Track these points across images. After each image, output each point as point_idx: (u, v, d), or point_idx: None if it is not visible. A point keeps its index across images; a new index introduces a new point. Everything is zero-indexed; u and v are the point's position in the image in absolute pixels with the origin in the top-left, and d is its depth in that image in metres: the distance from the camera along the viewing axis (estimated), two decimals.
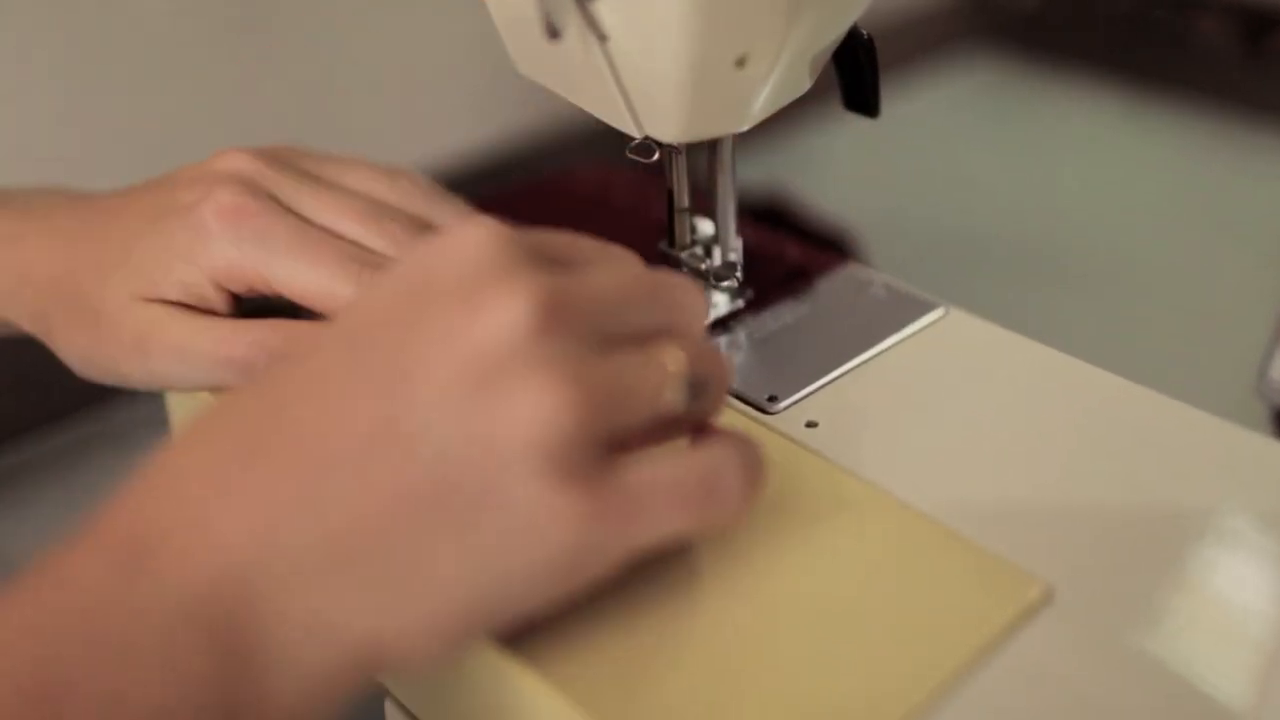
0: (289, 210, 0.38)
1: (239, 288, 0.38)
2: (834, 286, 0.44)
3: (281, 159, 0.40)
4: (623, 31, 0.33)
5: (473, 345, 0.25)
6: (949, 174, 0.81)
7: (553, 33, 0.32)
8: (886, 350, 0.40)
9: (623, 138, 0.37)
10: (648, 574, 0.32)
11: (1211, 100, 0.84)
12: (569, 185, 0.53)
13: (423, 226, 0.40)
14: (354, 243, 0.38)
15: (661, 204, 0.41)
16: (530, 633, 0.30)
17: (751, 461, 0.29)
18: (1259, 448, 0.35)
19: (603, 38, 0.33)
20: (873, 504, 0.34)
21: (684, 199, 0.40)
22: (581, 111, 0.38)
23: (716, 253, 0.41)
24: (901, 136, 0.84)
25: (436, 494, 0.24)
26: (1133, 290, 0.67)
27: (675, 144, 0.38)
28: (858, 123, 0.42)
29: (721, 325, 0.42)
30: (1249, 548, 0.32)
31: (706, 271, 0.41)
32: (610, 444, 0.26)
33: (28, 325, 0.40)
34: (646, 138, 0.37)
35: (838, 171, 0.82)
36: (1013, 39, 0.96)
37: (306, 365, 0.27)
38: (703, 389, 0.28)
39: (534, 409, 0.24)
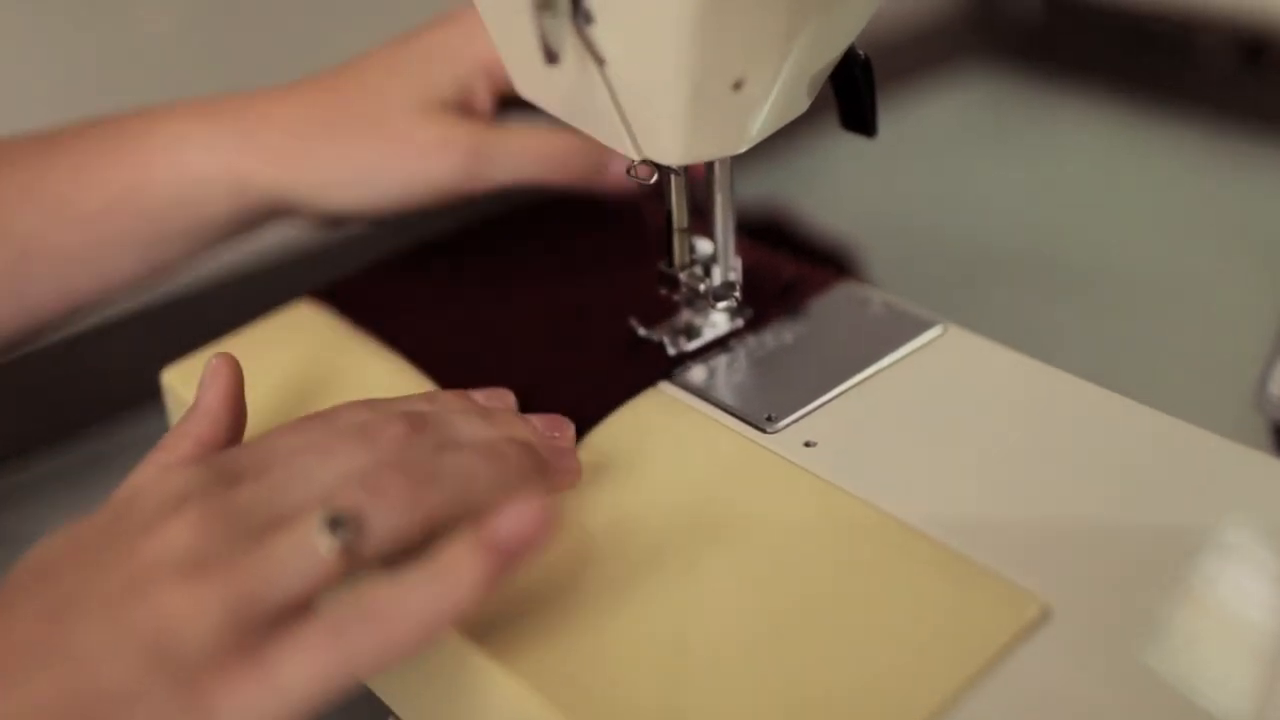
0: None
1: (504, 83, 0.42)
2: (832, 305, 0.44)
3: None
4: (620, 55, 0.33)
5: (137, 565, 0.28)
6: (949, 189, 0.81)
7: (551, 57, 0.33)
8: (885, 369, 0.40)
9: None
10: (647, 597, 0.32)
11: (1212, 114, 0.84)
12: (566, 205, 0.53)
13: None
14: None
15: (657, 221, 0.41)
16: (545, 669, 0.30)
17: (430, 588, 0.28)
18: (1257, 465, 0.35)
19: (601, 61, 0.34)
20: (871, 524, 0.34)
21: (683, 219, 0.40)
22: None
23: (716, 272, 0.41)
24: (902, 151, 0.84)
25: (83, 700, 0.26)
26: (1133, 302, 0.67)
27: (674, 166, 0.38)
28: (857, 139, 0.42)
29: (720, 345, 0.42)
30: (1247, 564, 0.32)
31: (706, 291, 0.41)
32: (273, 618, 0.27)
33: (269, 166, 0.42)
34: (645, 160, 0.37)
35: (838, 188, 0.82)
36: (1013, 53, 0.96)
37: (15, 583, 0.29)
38: (359, 524, 0.29)
39: (174, 610, 0.27)
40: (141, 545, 0.28)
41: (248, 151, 0.41)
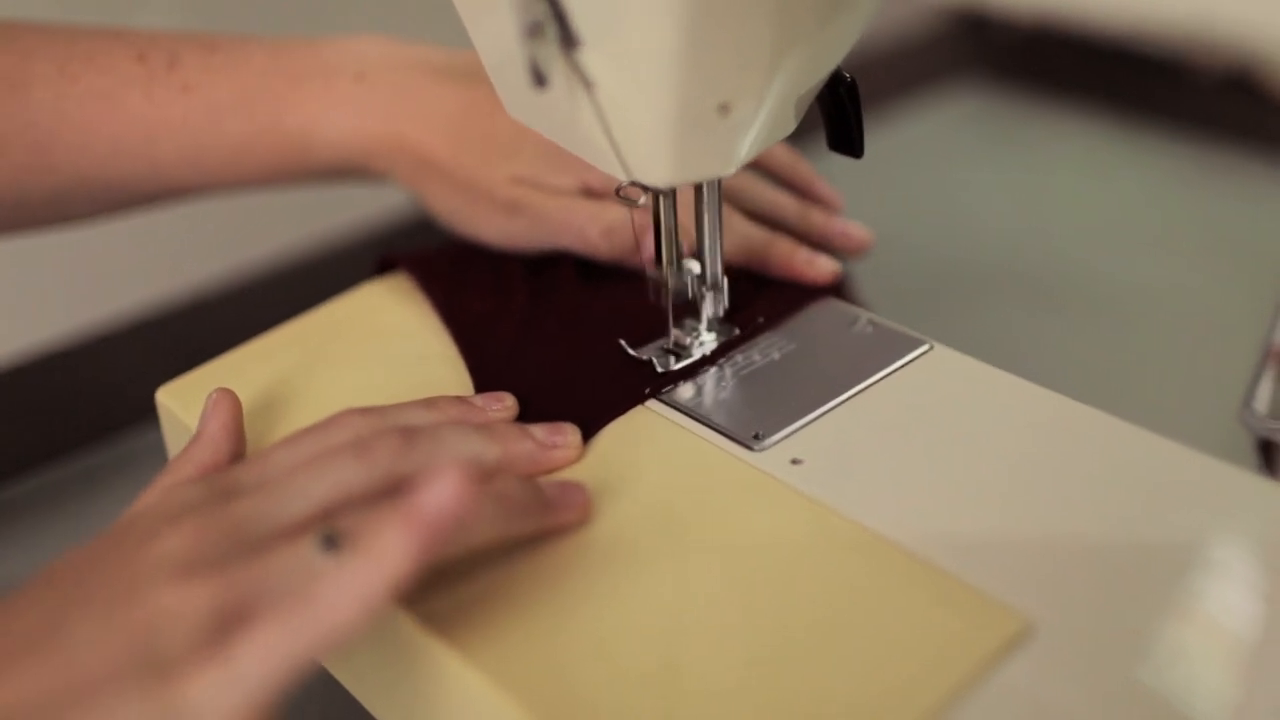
0: None
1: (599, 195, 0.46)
2: (820, 323, 0.44)
3: None
4: (608, 79, 0.33)
5: (135, 570, 0.30)
6: (937, 206, 0.82)
7: (539, 80, 0.33)
8: (871, 387, 0.41)
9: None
10: (631, 613, 0.32)
11: (1197, 129, 0.85)
12: None
13: None
14: None
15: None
16: (532, 682, 0.30)
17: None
18: (1240, 482, 0.36)
19: (589, 85, 0.34)
20: (856, 541, 0.34)
21: (671, 272, 0.41)
22: None
23: (706, 307, 0.42)
24: (891, 166, 0.85)
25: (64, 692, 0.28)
26: (1119, 318, 0.68)
27: (662, 188, 0.39)
28: (844, 158, 0.42)
29: (708, 363, 0.42)
30: (1229, 581, 0.33)
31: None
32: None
33: (402, 183, 0.48)
34: (634, 182, 0.37)
35: None
36: (1002, 68, 0.96)
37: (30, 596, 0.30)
38: (344, 537, 0.30)
39: (163, 607, 0.28)
40: (141, 552, 0.30)
41: (393, 166, 0.48)
